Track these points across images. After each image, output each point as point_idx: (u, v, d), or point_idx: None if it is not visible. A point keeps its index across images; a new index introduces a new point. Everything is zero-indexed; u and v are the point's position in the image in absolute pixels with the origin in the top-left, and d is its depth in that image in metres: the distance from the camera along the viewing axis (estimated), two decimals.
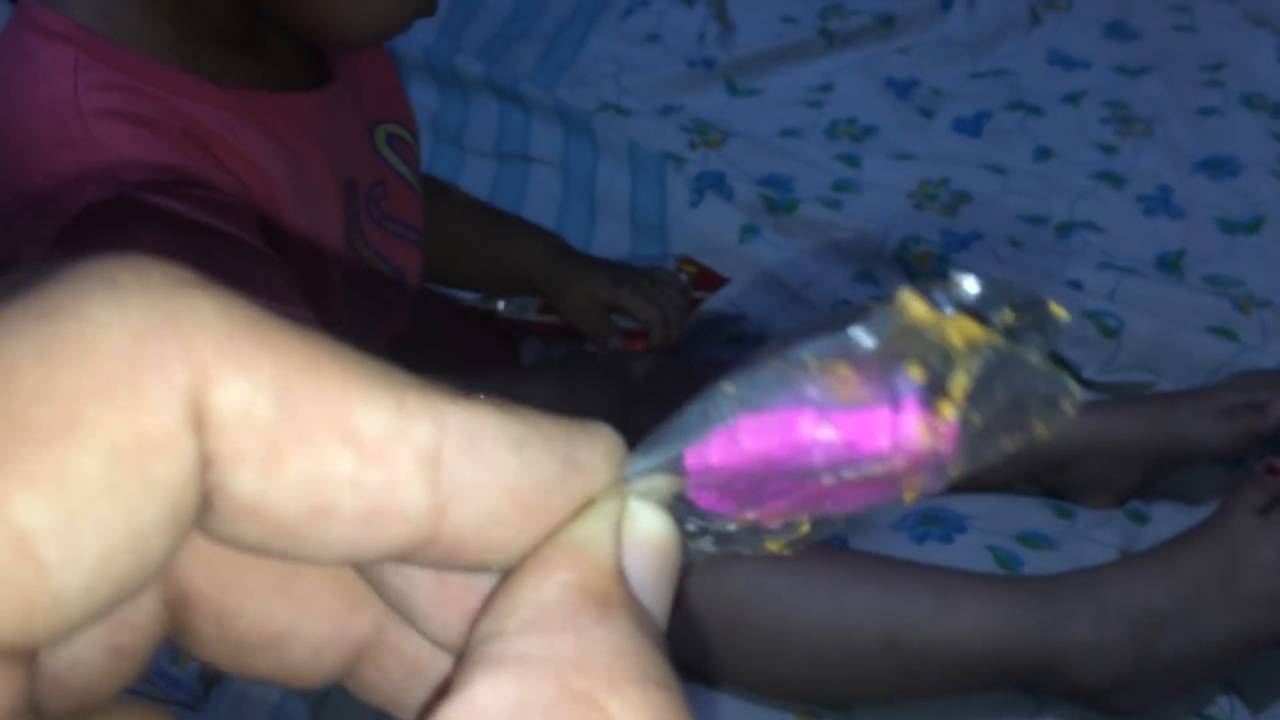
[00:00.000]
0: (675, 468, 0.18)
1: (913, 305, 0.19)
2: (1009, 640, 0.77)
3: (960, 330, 0.19)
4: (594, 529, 0.17)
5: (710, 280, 0.97)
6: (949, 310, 0.19)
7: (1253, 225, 1.21)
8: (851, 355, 0.18)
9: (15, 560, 0.14)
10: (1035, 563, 0.90)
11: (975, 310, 0.19)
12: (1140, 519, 0.95)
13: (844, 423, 0.18)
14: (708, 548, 0.19)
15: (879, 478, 0.19)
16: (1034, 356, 0.19)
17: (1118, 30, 1.52)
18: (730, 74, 1.48)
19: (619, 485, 0.18)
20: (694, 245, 1.20)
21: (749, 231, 1.19)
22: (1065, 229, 1.22)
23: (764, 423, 0.18)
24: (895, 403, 0.18)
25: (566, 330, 0.99)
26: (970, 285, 0.19)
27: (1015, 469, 0.96)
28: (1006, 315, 0.19)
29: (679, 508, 0.19)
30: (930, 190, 1.28)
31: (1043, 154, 1.32)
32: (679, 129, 1.37)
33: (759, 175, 1.30)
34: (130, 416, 0.14)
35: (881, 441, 0.18)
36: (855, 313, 0.18)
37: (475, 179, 1.32)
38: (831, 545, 0.89)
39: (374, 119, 0.80)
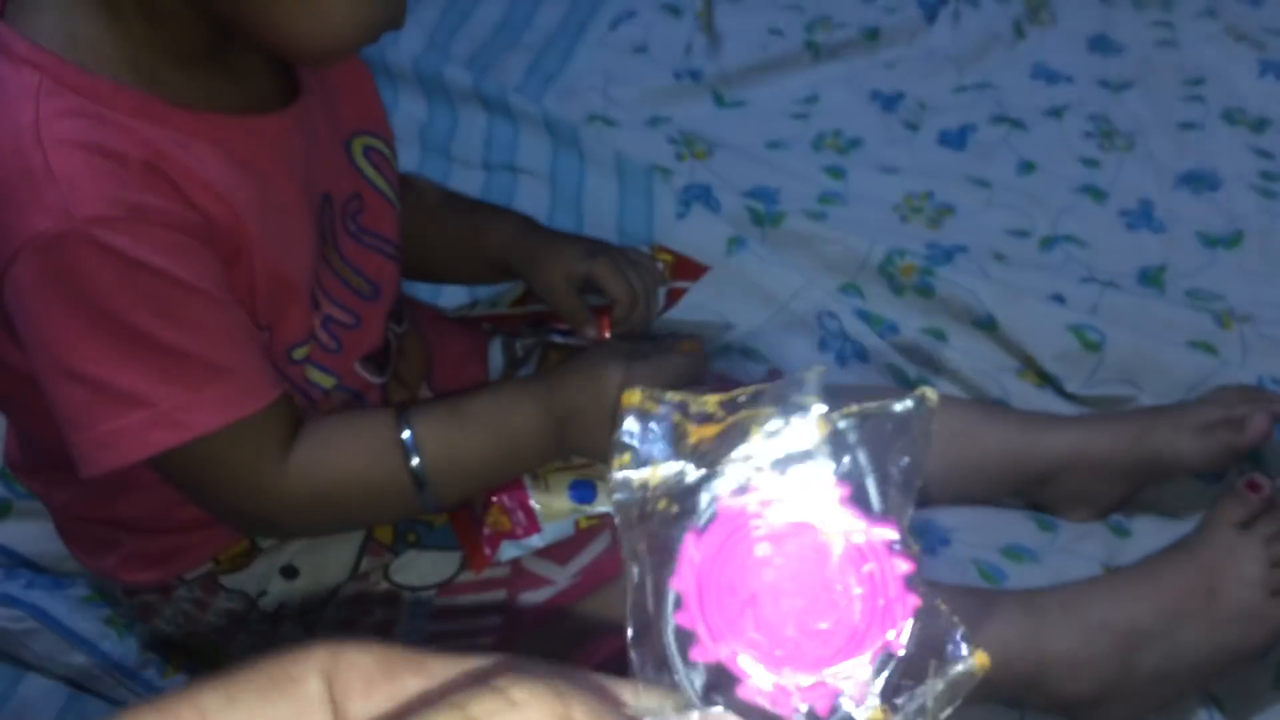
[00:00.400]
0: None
1: None
2: (993, 655, 0.77)
3: None
4: None
5: (689, 269, 0.96)
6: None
7: (1233, 240, 1.23)
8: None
9: None
10: (1019, 575, 0.91)
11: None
12: (1122, 532, 0.96)
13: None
14: None
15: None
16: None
17: (1101, 44, 1.54)
18: (717, 86, 1.48)
19: None
20: None
21: (735, 243, 1.20)
22: (1048, 243, 1.23)
23: None
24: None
25: (536, 319, 0.97)
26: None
27: (998, 482, 0.97)
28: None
29: None
30: (915, 203, 1.29)
31: (1026, 168, 1.34)
32: (666, 140, 1.37)
33: (745, 187, 1.31)
34: None
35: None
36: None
37: (463, 189, 1.32)
38: None
39: (351, 131, 0.80)
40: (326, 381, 0.76)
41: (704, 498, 0.26)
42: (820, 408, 0.24)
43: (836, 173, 1.34)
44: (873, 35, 1.54)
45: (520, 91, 1.44)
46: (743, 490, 0.26)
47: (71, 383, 0.63)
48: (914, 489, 0.25)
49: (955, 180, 1.31)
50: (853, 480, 0.24)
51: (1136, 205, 1.28)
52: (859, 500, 0.24)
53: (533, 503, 0.82)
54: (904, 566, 0.25)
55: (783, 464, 0.25)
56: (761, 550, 0.25)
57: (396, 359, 0.83)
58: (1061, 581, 0.88)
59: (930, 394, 0.25)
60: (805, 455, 0.25)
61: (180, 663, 0.86)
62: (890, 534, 0.24)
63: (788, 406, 0.25)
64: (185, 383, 0.63)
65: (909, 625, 0.24)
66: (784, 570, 0.25)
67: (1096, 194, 1.29)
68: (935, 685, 0.23)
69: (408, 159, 1.33)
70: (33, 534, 0.91)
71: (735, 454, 0.25)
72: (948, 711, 0.23)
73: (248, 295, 0.68)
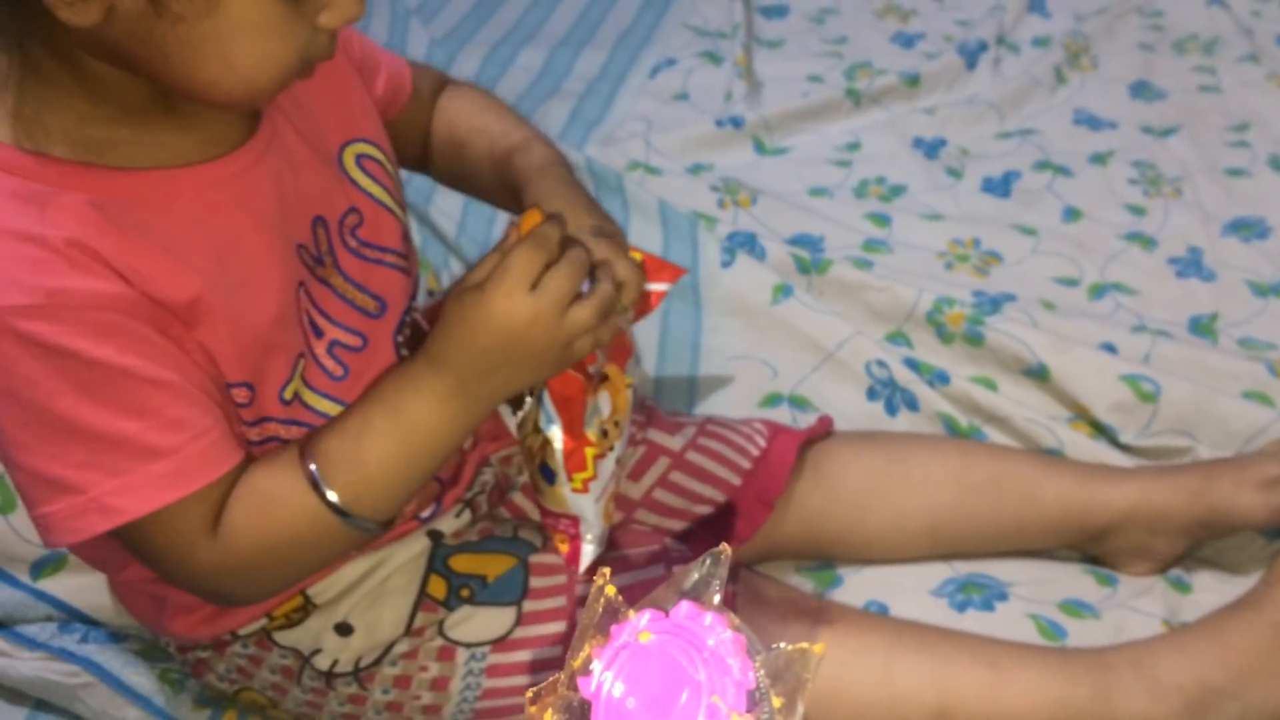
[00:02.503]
0: None
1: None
2: (1060, 714, 0.76)
3: None
4: None
5: (663, 269, 0.92)
6: None
7: None
8: None
9: None
10: (1078, 632, 0.90)
11: None
12: (1182, 588, 0.94)
13: None
14: None
15: None
16: None
17: (1143, 90, 1.54)
18: (758, 132, 1.49)
19: None
20: (727, 304, 1.20)
21: (781, 291, 1.19)
22: (1098, 290, 1.22)
23: None
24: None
25: None
26: None
27: (1055, 535, 0.96)
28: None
29: None
30: (961, 250, 1.28)
31: (1072, 214, 1.33)
32: (708, 188, 1.37)
33: (789, 234, 1.31)
34: None
35: None
36: None
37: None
38: (877, 615, 0.88)
39: (340, 142, 0.78)
40: (335, 411, 0.74)
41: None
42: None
43: (880, 220, 1.34)
44: (913, 82, 1.55)
45: (562, 139, 1.45)
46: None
47: (10, 466, 0.64)
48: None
49: (1000, 227, 1.31)
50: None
51: (1185, 252, 1.27)
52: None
53: (548, 504, 0.81)
54: None
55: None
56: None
57: None
58: (1122, 638, 0.87)
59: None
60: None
61: (234, 719, 0.86)
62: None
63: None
64: (114, 468, 0.62)
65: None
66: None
67: (1145, 241, 1.28)
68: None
69: (451, 208, 1.34)
70: (87, 587, 0.91)
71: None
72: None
73: (209, 360, 0.66)
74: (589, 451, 0.78)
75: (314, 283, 0.73)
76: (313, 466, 0.68)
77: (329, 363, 0.73)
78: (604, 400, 0.80)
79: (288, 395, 0.71)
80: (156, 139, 0.65)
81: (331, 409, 0.73)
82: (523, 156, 0.85)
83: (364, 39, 0.84)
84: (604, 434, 0.80)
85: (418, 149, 0.91)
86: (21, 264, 0.59)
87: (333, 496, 0.68)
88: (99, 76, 0.62)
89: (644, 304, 0.89)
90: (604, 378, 0.80)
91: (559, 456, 0.78)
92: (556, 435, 0.78)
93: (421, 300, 0.94)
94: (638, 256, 0.88)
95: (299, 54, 0.62)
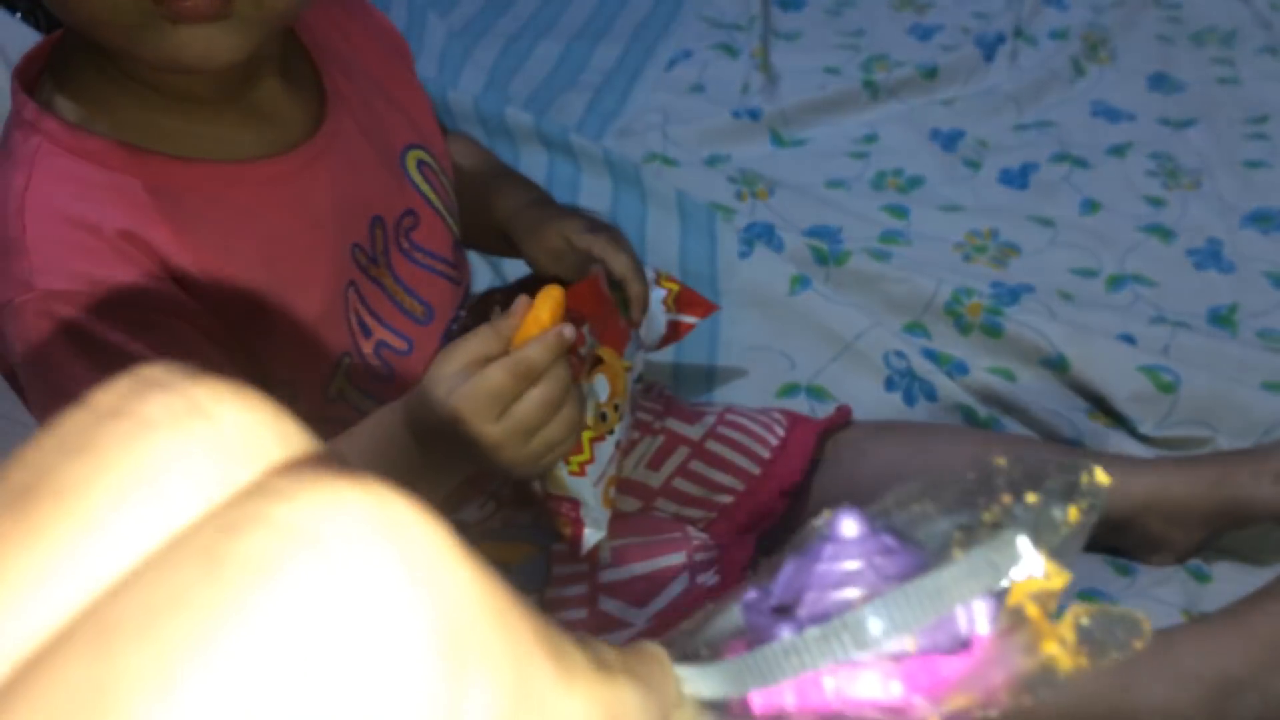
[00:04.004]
0: (738, 707, 0.19)
1: (1019, 589, 0.20)
2: (1081, 703, 0.76)
3: (1047, 594, 0.20)
4: None
5: (696, 303, 0.90)
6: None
7: None
8: (913, 612, 0.19)
9: None
10: None
11: (1036, 520, 0.20)
12: (1202, 578, 0.94)
13: (915, 674, 0.19)
14: None
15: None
16: (1117, 609, 0.20)
17: (1161, 82, 1.53)
18: (775, 125, 1.49)
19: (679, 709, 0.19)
20: (744, 296, 1.21)
21: (799, 283, 1.19)
22: (1116, 282, 1.22)
23: (832, 678, 0.19)
24: (978, 668, 0.20)
25: None
26: (1026, 548, 0.20)
27: None
28: (1071, 513, 0.20)
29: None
30: (979, 242, 1.28)
31: (1090, 206, 1.33)
32: (726, 180, 1.38)
33: (806, 226, 1.31)
34: None
35: (972, 703, 0.20)
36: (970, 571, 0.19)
37: None
38: None
39: (404, 145, 0.79)
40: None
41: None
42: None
43: (898, 212, 1.34)
44: (931, 74, 1.54)
45: (579, 131, 1.45)
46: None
47: None
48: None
49: (1018, 219, 1.31)
50: None
51: (1204, 244, 1.26)
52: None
53: (549, 487, 0.81)
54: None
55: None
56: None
57: None
58: None
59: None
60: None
61: None
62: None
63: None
64: None
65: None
66: None
67: (1163, 233, 1.28)
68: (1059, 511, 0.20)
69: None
70: None
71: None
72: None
73: (254, 354, 0.67)
74: (585, 435, 0.79)
75: (366, 282, 0.73)
76: None
77: (375, 363, 0.74)
78: (600, 384, 0.80)
79: (332, 393, 0.71)
80: (215, 132, 0.66)
81: (374, 407, 0.74)
82: (505, 192, 0.86)
83: None
84: (602, 417, 0.80)
85: None
86: (70, 250, 0.60)
87: None
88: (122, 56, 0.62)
89: (671, 333, 0.90)
90: (597, 360, 0.80)
91: None
92: None
93: None
94: (674, 288, 0.89)
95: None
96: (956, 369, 1.11)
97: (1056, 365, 1.10)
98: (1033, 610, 0.19)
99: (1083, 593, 0.92)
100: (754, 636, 0.19)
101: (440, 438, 0.64)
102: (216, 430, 0.14)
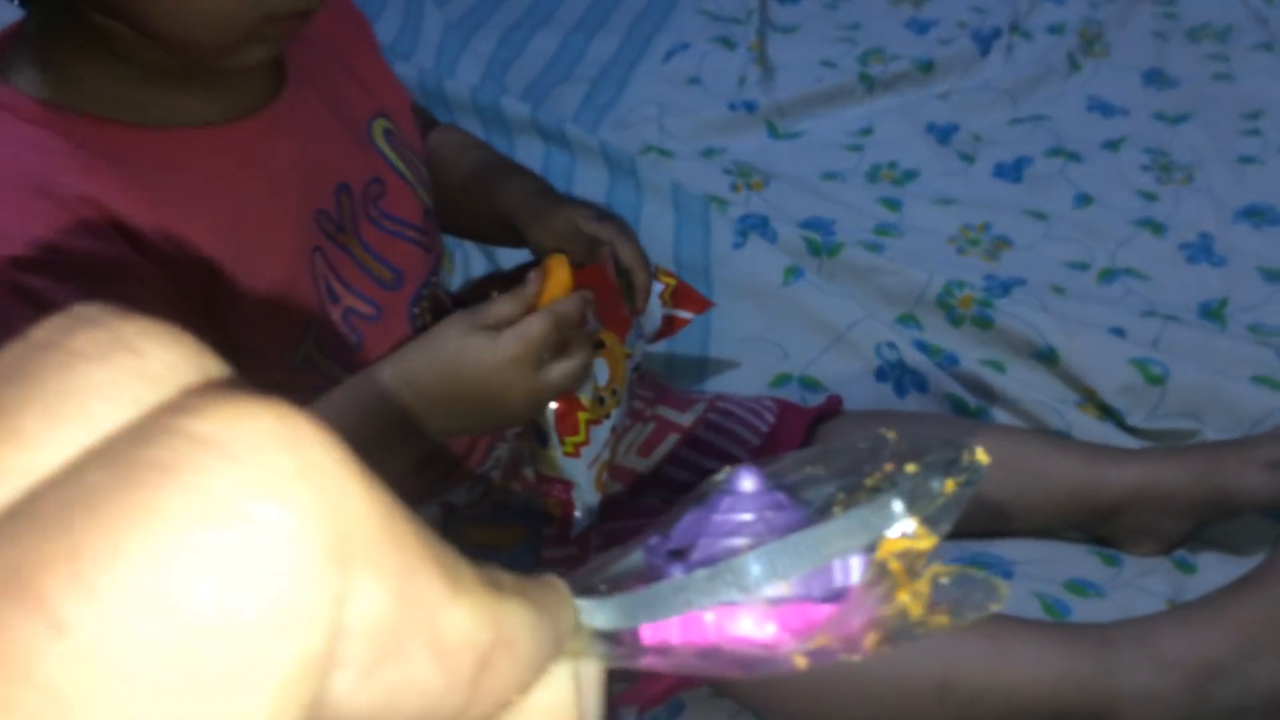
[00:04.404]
0: (630, 640, 0.21)
1: (887, 547, 0.21)
2: (1062, 687, 0.77)
3: (913, 554, 0.21)
4: (560, 694, 0.19)
5: (692, 299, 0.91)
6: (904, 530, 0.21)
7: None
8: (797, 557, 0.21)
9: None
10: (1084, 610, 0.90)
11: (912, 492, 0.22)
12: (1187, 568, 0.95)
13: (793, 618, 0.21)
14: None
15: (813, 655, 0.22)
16: (977, 572, 0.22)
17: (1156, 78, 1.54)
18: (771, 117, 1.49)
19: (576, 653, 0.20)
20: (738, 286, 1.21)
21: (792, 274, 1.20)
22: (1108, 275, 1.23)
23: (718, 618, 0.21)
24: (841, 598, 0.21)
25: None
26: (900, 511, 0.21)
27: (1062, 515, 0.96)
28: (948, 485, 0.22)
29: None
30: (972, 235, 1.29)
31: (1083, 200, 1.33)
32: (721, 171, 1.38)
33: (801, 218, 1.31)
34: (298, 644, 0.14)
35: (834, 645, 0.21)
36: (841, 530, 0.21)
37: None
38: None
39: (369, 114, 0.80)
40: (345, 378, 0.74)
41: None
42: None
43: (892, 204, 1.34)
44: (926, 67, 1.55)
45: (575, 122, 1.46)
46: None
47: None
48: None
49: (1012, 212, 1.31)
50: None
51: (1196, 238, 1.27)
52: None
53: (541, 468, 0.82)
54: None
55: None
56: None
57: None
58: (1126, 616, 0.88)
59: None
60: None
61: None
62: None
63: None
64: None
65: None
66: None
67: (1155, 227, 1.29)
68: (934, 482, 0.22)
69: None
70: None
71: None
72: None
73: (220, 319, 0.67)
74: (581, 416, 0.79)
75: (333, 249, 0.74)
76: None
77: (343, 329, 0.74)
78: (601, 367, 0.81)
79: (300, 359, 0.72)
80: (178, 102, 0.67)
81: (343, 375, 0.74)
82: (509, 182, 0.87)
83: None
84: (600, 401, 0.80)
85: None
86: (31, 217, 0.61)
87: None
88: (116, 35, 0.63)
89: (666, 327, 0.91)
90: (599, 344, 0.80)
91: (550, 418, 0.78)
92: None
93: (448, 280, 0.95)
94: (671, 282, 0.89)
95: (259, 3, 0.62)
96: (947, 360, 1.12)
97: (1046, 357, 1.11)
98: (895, 565, 0.21)
99: (1069, 581, 0.93)
100: (649, 576, 0.21)
101: (449, 388, 0.68)
102: (141, 361, 0.15)
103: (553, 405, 0.77)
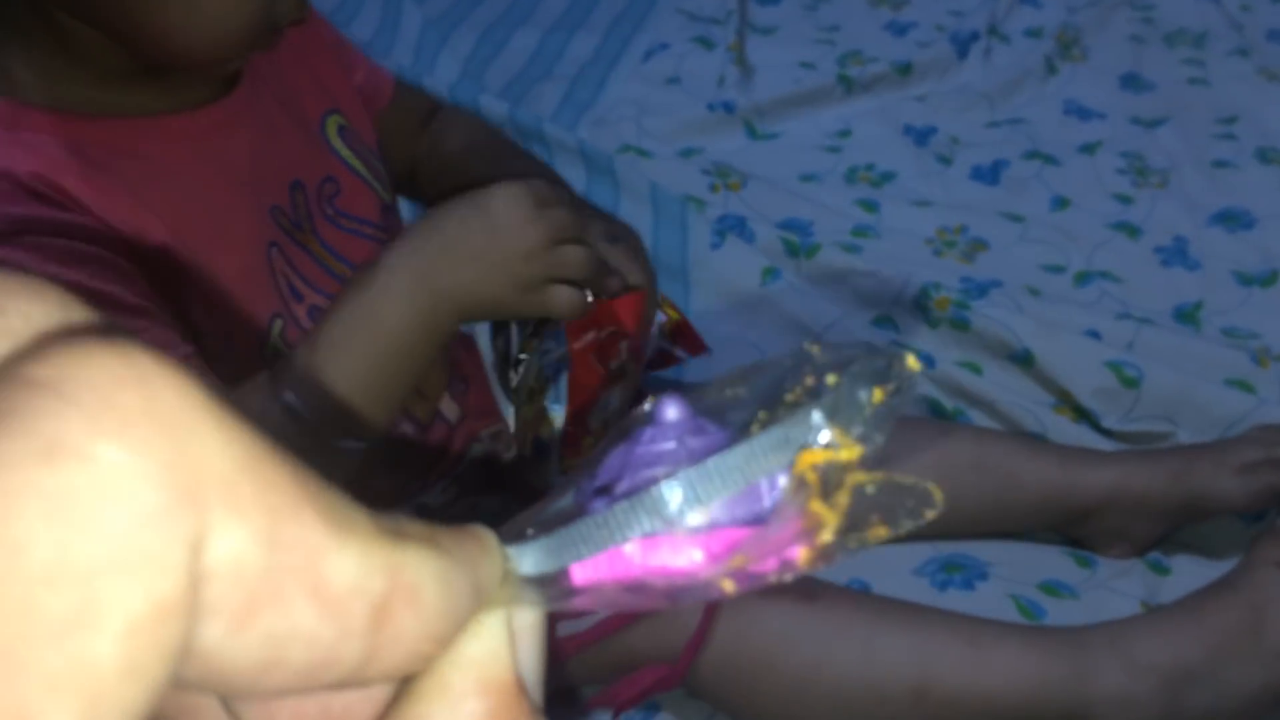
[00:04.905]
0: (558, 580, 0.20)
1: (804, 459, 0.20)
2: (1038, 691, 0.77)
3: (837, 465, 0.20)
4: (491, 645, 0.18)
5: (689, 340, 0.89)
6: (821, 439, 0.20)
7: (1269, 278, 1.22)
8: (719, 478, 0.20)
9: None
10: (1058, 612, 0.91)
11: (837, 403, 0.21)
12: (1161, 570, 0.95)
13: (718, 541, 0.20)
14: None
15: (745, 577, 0.21)
16: (906, 478, 0.21)
17: (1132, 82, 1.54)
18: (750, 118, 1.49)
19: (505, 599, 0.19)
20: (715, 287, 1.21)
21: (770, 274, 1.20)
22: (1083, 278, 1.23)
23: (641, 549, 0.20)
24: (767, 517, 0.20)
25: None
26: (820, 422, 0.20)
27: (1036, 517, 0.97)
28: (876, 394, 0.21)
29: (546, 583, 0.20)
30: (949, 237, 1.29)
31: (1060, 203, 1.34)
32: (699, 171, 1.38)
33: (779, 219, 1.31)
34: (147, 588, 0.13)
35: (768, 565, 0.20)
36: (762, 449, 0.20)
37: None
38: (858, 592, 0.89)
39: (322, 111, 0.79)
40: None
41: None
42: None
43: (869, 206, 1.34)
44: (905, 70, 1.55)
45: (554, 121, 1.45)
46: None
47: None
48: None
49: (988, 215, 1.32)
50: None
51: (1171, 242, 1.27)
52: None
53: (532, 479, 0.81)
54: None
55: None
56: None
57: None
58: (1101, 618, 0.88)
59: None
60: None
61: None
62: None
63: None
64: None
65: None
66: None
67: (1131, 230, 1.29)
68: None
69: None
70: None
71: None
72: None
73: (181, 305, 0.67)
74: (588, 441, 0.79)
75: (291, 246, 0.73)
76: (288, 395, 0.65)
77: (308, 326, 0.74)
78: (615, 396, 0.81)
79: (268, 353, 0.71)
80: (129, 98, 0.67)
81: None
82: (516, 171, 0.85)
83: (346, 41, 0.86)
84: (605, 428, 0.80)
85: (403, 165, 0.91)
86: None
87: (313, 418, 0.64)
88: (78, 38, 0.63)
89: (657, 362, 0.89)
90: (622, 374, 0.80)
91: (556, 436, 0.78)
92: (559, 415, 0.79)
93: None
94: (674, 316, 0.88)
95: (264, 6, 0.63)
96: (923, 361, 1.12)
97: (1022, 360, 1.11)
98: (811, 476, 0.20)
99: (1043, 583, 0.93)
100: (576, 516, 0.20)
101: (444, 234, 0.65)
102: (4, 319, 0.15)
103: (560, 423, 0.77)
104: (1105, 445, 1.04)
